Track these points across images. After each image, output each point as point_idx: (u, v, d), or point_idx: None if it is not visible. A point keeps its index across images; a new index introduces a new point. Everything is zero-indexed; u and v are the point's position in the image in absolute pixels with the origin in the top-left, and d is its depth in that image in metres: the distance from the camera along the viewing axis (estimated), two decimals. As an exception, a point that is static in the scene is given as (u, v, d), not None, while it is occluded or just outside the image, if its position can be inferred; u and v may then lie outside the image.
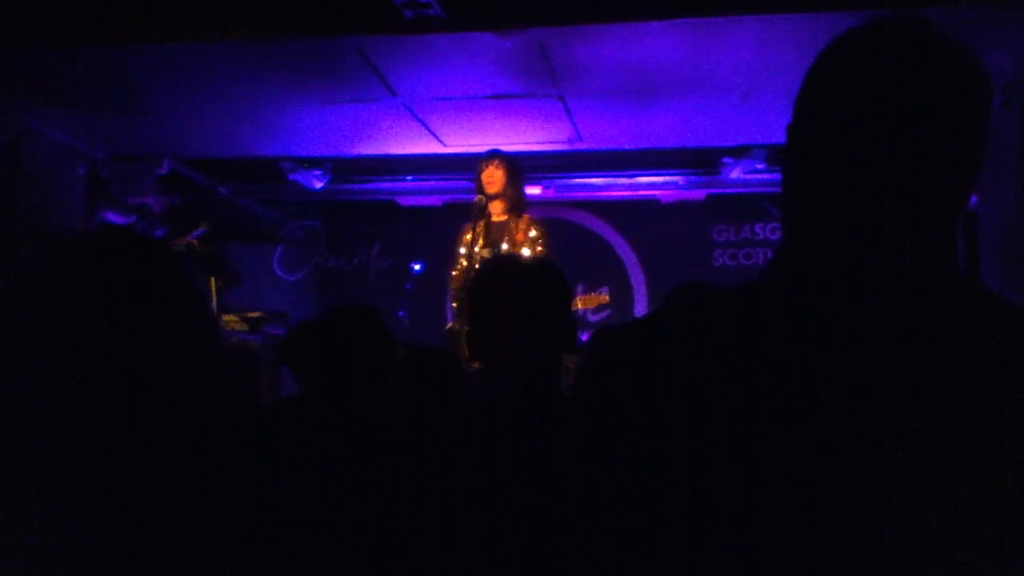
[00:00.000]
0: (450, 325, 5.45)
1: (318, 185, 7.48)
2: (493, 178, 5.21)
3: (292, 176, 7.36)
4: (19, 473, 1.04)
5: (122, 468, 1.06)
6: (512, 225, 5.28)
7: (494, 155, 5.31)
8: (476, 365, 4.95)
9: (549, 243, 5.29)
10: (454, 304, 5.42)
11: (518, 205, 5.34)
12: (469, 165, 5.48)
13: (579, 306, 5.89)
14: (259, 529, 1.15)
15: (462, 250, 5.36)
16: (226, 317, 5.82)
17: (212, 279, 5.59)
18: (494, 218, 5.31)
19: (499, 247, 5.23)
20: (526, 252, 5.14)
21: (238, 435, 1.17)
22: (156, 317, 1.14)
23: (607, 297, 5.83)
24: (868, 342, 0.92)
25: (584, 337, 5.31)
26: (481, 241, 5.23)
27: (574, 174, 7.58)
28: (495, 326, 2.18)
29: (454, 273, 5.42)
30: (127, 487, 1.05)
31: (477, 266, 5.14)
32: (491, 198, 5.24)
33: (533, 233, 5.27)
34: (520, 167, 5.41)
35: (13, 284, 1.09)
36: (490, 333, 2.16)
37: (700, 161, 7.25)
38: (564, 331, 2.17)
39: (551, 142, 6.74)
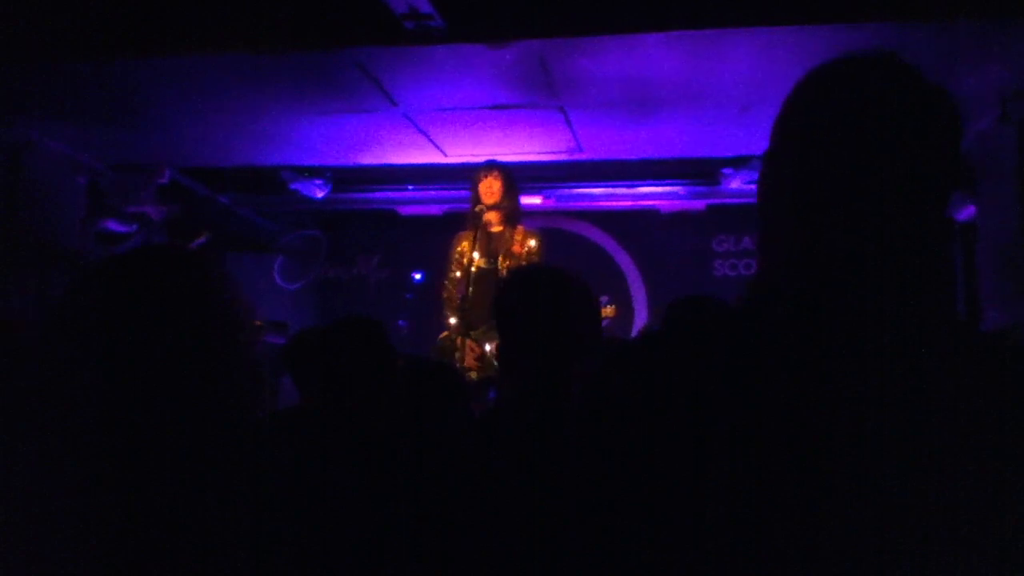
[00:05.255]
0: (443, 335, 5.45)
1: (319, 194, 7.48)
2: (491, 189, 5.24)
3: (293, 185, 7.36)
4: (23, 475, 1.05)
5: (126, 474, 1.06)
6: (508, 236, 5.30)
7: (492, 166, 5.33)
8: (474, 375, 4.99)
9: (545, 254, 5.31)
10: (447, 314, 5.42)
11: (514, 216, 5.36)
12: (469, 175, 5.50)
13: None
14: (259, 538, 1.16)
15: (456, 260, 5.37)
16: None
17: None
18: (490, 229, 5.33)
19: (495, 258, 5.25)
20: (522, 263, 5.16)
21: (242, 443, 1.18)
22: (173, 325, 1.15)
23: (612, 310, 5.85)
24: (865, 368, 0.94)
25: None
26: (478, 252, 5.24)
27: (574, 184, 7.58)
28: (504, 337, 2.18)
29: (447, 283, 5.44)
30: (130, 492, 1.06)
31: (472, 276, 5.17)
32: (488, 208, 5.26)
33: (530, 244, 5.29)
34: (516, 178, 5.44)
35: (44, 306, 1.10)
36: (517, 344, 2.15)
37: (700, 171, 7.26)
38: (568, 340, 2.17)
39: (551, 152, 6.75)
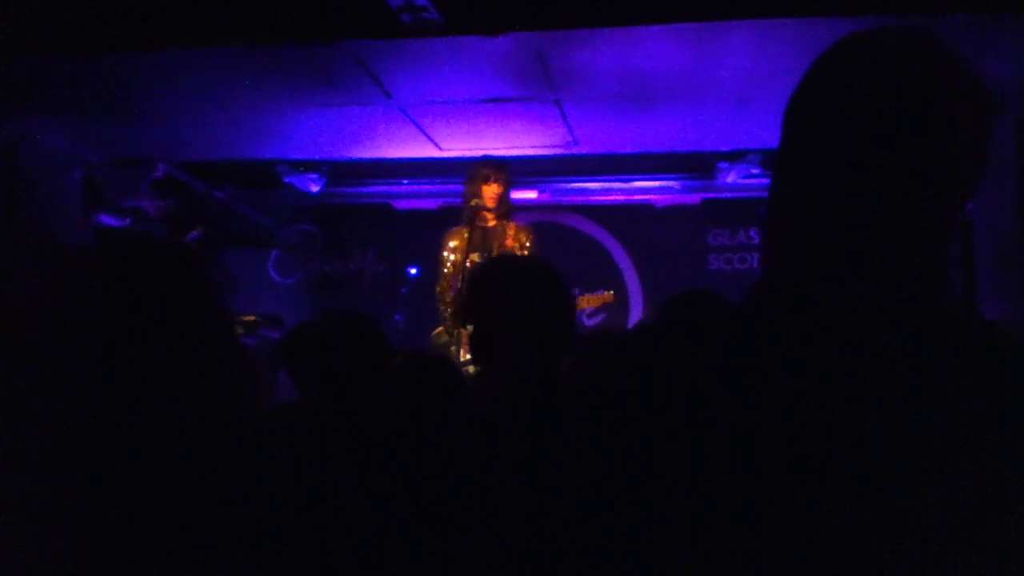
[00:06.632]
0: (438, 330, 5.46)
1: (314, 188, 7.47)
2: (493, 193, 5.24)
3: (288, 179, 7.36)
4: (25, 475, 1.04)
5: (127, 472, 1.06)
6: (501, 230, 5.31)
7: (497, 168, 5.31)
8: (472, 369, 4.99)
9: (537, 248, 5.33)
10: (441, 309, 5.43)
11: (508, 211, 5.38)
12: (465, 169, 5.49)
13: (583, 305, 5.90)
14: (259, 537, 1.16)
15: (450, 255, 5.38)
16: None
17: None
18: (481, 223, 5.34)
19: (489, 252, 5.26)
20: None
21: (242, 442, 1.17)
22: (167, 321, 1.14)
23: (611, 295, 5.83)
24: (864, 365, 0.93)
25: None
26: (472, 246, 5.26)
27: (569, 178, 7.58)
28: (493, 327, 2.18)
29: (442, 279, 5.45)
30: (131, 491, 1.06)
31: (467, 271, 5.18)
32: (488, 209, 5.28)
33: (523, 238, 5.30)
34: (511, 173, 5.45)
35: (27, 294, 1.10)
36: (489, 335, 2.16)
37: (695, 165, 7.26)
38: (562, 333, 2.18)
39: (547, 146, 6.75)
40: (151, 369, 1.11)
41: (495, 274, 2.31)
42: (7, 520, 1.03)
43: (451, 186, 7.18)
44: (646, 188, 7.68)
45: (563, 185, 7.64)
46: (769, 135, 6.22)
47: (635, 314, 8.26)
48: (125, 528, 1.04)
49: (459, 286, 5.18)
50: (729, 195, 7.53)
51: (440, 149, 6.79)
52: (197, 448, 1.11)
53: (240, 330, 5.90)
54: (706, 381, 0.96)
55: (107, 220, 6.71)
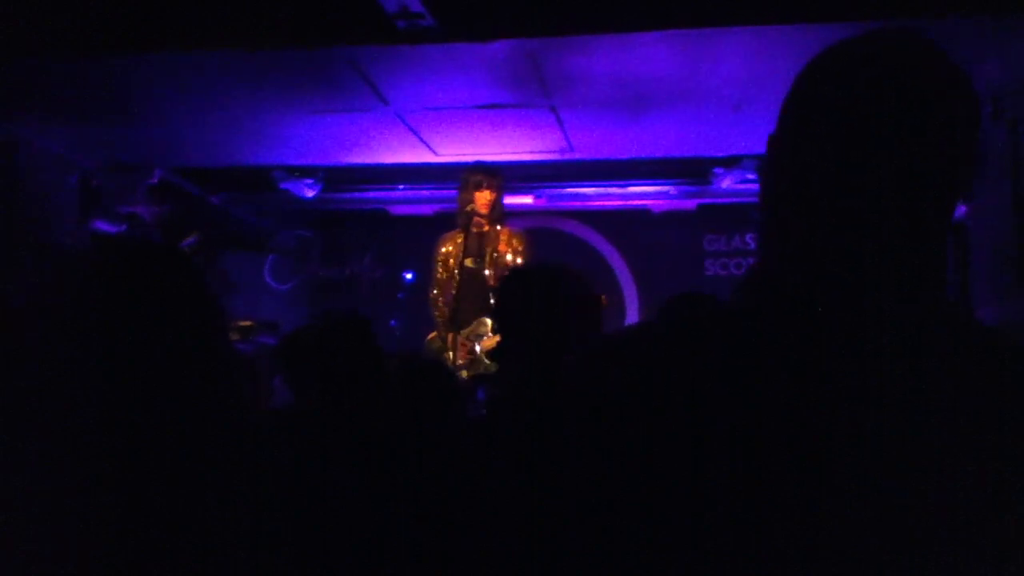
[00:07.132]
0: (432, 335, 5.46)
1: (309, 194, 7.46)
2: (487, 199, 5.27)
3: (283, 185, 7.35)
4: (25, 475, 1.04)
5: (127, 472, 1.06)
6: (494, 236, 5.33)
7: (490, 174, 5.33)
8: (465, 374, 5.00)
9: (530, 253, 5.34)
10: (435, 314, 5.44)
11: (501, 217, 5.41)
12: (461, 175, 5.51)
13: None
14: (259, 538, 1.15)
15: (444, 261, 5.40)
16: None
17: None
18: (475, 229, 5.36)
19: (482, 257, 5.28)
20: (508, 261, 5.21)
21: (242, 443, 1.17)
22: (165, 323, 1.14)
23: (604, 299, 5.84)
24: (864, 366, 0.93)
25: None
26: (465, 251, 5.28)
27: (565, 184, 7.58)
28: (500, 331, 2.19)
29: (434, 284, 5.46)
30: (131, 491, 1.06)
31: (460, 276, 5.21)
32: (481, 216, 5.30)
33: (515, 243, 5.32)
34: (505, 178, 5.48)
35: (26, 295, 1.10)
36: (501, 339, 2.17)
37: (691, 171, 7.26)
38: (562, 333, 2.18)
39: (542, 152, 6.75)
40: (151, 369, 1.11)
41: (503, 283, 2.34)
42: (7, 520, 1.03)
43: (447, 192, 7.16)
44: (642, 194, 7.68)
45: (559, 191, 7.64)
46: (764, 141, 6.21)
47: (631, 320, 8.26)
48: (125, 528, 1.04)
49: (452, 291, 5.21)
50: (725, 200, 7.54)
51: (436, 155, 6.79)
52: (197, 448, 1.11)
53: (236, 336, 5.90)
54: (706, 381, 0.96)
55: (103, 226, 6.71)
